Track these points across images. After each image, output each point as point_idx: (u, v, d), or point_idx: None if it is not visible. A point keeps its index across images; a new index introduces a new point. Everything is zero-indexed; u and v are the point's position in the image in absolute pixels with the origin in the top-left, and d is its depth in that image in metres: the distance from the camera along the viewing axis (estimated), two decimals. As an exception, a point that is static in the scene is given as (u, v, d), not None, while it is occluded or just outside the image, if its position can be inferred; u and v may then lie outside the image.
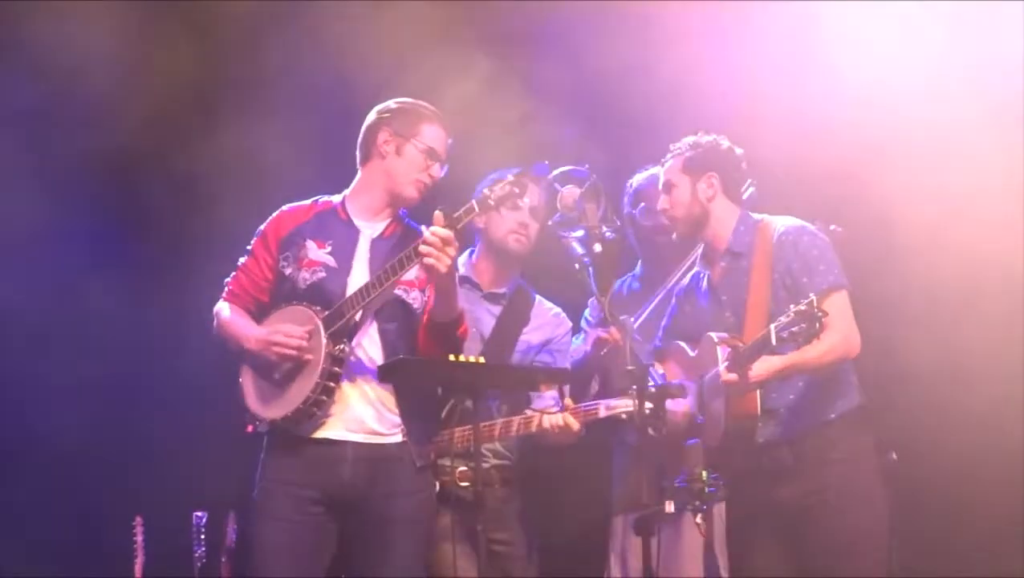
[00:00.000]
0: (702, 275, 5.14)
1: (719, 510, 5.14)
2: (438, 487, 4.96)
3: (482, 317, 5.26)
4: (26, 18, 6.05)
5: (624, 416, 4.93)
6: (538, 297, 5.42)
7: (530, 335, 5.34)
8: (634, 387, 4.63)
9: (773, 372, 4.80)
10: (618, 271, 5.59)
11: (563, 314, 5.41)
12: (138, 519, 5.94)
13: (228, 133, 6.09)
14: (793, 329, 4.60)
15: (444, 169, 4.95)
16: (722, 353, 4.84)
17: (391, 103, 4.98)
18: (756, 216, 5.08)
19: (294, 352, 4.72)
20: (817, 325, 4.56)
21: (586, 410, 5.01)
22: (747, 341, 4.81)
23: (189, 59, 6.17)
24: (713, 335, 4.93)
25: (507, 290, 5.36)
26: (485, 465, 5.16)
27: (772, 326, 4.66)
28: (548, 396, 5.16)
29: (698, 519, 4.73)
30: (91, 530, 6.14)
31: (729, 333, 4.94)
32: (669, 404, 4.95)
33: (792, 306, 4.63)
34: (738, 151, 5.11)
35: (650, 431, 4.57)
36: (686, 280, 5.26)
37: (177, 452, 6.19)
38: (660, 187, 5.13)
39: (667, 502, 4.68)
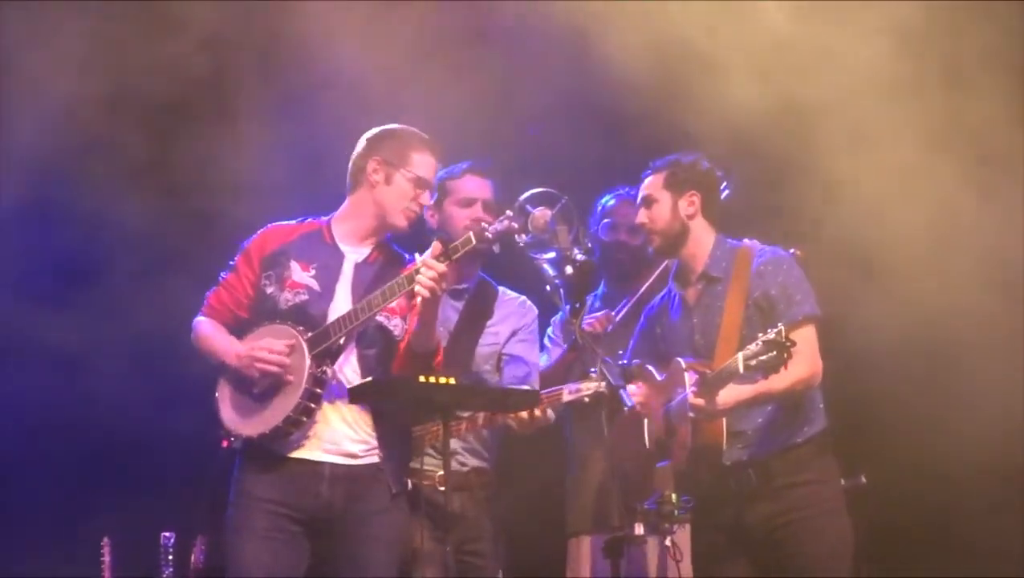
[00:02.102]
0: (674, 295, 5.16)
1: (683, 532, 5.16)
2: (410, 486, 4.94)
3: (448, 314, 5.26)
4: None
5: (587, 399, 4.93)
6: (501, 288, 5.43)
7: (497, 327, 5.34)
8: (594, 369, 4.65)
9: (740, 401, 4.82)
10: (590, 292, 5.61)
11: (528, 302, 5.41)
12: (105, 540, 5.90)
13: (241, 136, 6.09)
14: (761, 358, 4.61)
15: (434, 196, 4.96)
16: (690, 378, 4.85)
17: (380, 130, 4.98)
18: (733, 241, 5.09)
19: (275, 368, 4.72)
20: (784, 355, 4.59)
21: (549, 395, 5.00)
22: (716, 366, 4.83)
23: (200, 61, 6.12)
24: (681, 360, 4.94)
25: (469, 285, 5.37)
26: (464, 468, 5.19)
27: (740, 354, 4.67)
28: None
29: (668, 541, 4.75)
30: (59, 551, 6.09)
31: (698, 356, 4.95)
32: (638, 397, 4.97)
33: (760, 335, 4.65)
34: (718, 171, 5.13)
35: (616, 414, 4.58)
36: (656, 299, 5.27)
37: (145, 473, 6.16)
38: (639, 200, 5.14)
39: (636, 524, 4.68)
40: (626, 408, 4.76)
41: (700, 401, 4.78)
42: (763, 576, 4.90)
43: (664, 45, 5.71)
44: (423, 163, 4.91)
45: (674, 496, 4.78)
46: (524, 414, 4.97)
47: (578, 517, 5.57)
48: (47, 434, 6.21)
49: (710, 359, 4.91)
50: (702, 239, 5.07)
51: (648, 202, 5.10)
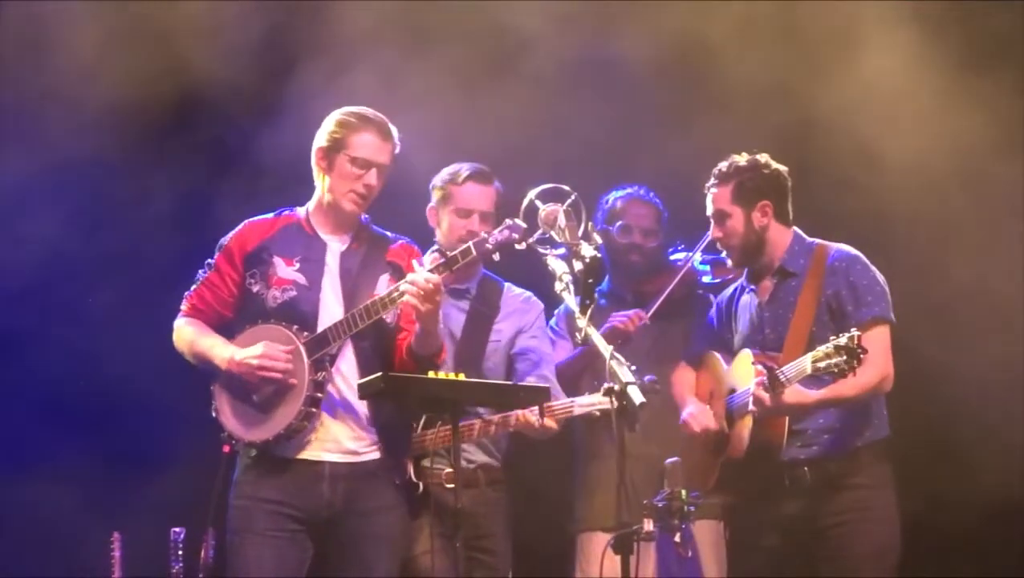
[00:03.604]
0: (747, 288, 5.14)
1: (717, 528, 5.17)
2: (420, 488, 4.97)
3: (449, 313, 5.27)
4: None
5: (597, 413, 4.94)
6: (506, 284, 5.44)
7: (502, 324, 5.37)
8: (607, 384, 4.61)
9: (804, 404, 4.81)
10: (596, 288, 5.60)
11: (533, 297, 5.44)
12: (116, 535, 5.90)
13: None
14: (831, 361, 4.61)
15: (384, 173, 4.89)
16: (756, 372, 4.85)
17: (328, 118, 4.96)
18: (810, 239, 5.07)
19: (280, 375, 4.73)
20: (855, 362, 4.57)
21: (560, 409, 5.02)
22: (783, 362, 4.82)
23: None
24: (749, 352, 4.95)
25: (471, 285, 5.38)
26: (472, 465, 5.18)
27: (809, 356, 4.67)
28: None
29: (677, 538, 4.74)
30: (69, 547, 6.11)
31: (766, 350, 4.95)
32: (694, 412, 4.95)
33: (832, 338, 4.63)
34: (782, 168, 5.09)
35: (626, 430, 4.58)
36: (730, 289, 5.26)
37: (155, 468, 6.17)
38: (710, 215, 5.12)
39: (646, 520, 4.68)
40: (636, 404, 4.75)
41: (765, 396, 4.77)
42: (806, 574, 4.90)
43: (684, 42, 5.72)
44: (361, 142, 4.88)
45: (683, 492, 4.77)
46: (534, 421, 4.96)
47: (589, 513, 5.56)
48: (59, 428, 6.23)
49: (778, 353, 4.90)
50: (778, 241, 5.06)
51: (720, 217, 5.07)
